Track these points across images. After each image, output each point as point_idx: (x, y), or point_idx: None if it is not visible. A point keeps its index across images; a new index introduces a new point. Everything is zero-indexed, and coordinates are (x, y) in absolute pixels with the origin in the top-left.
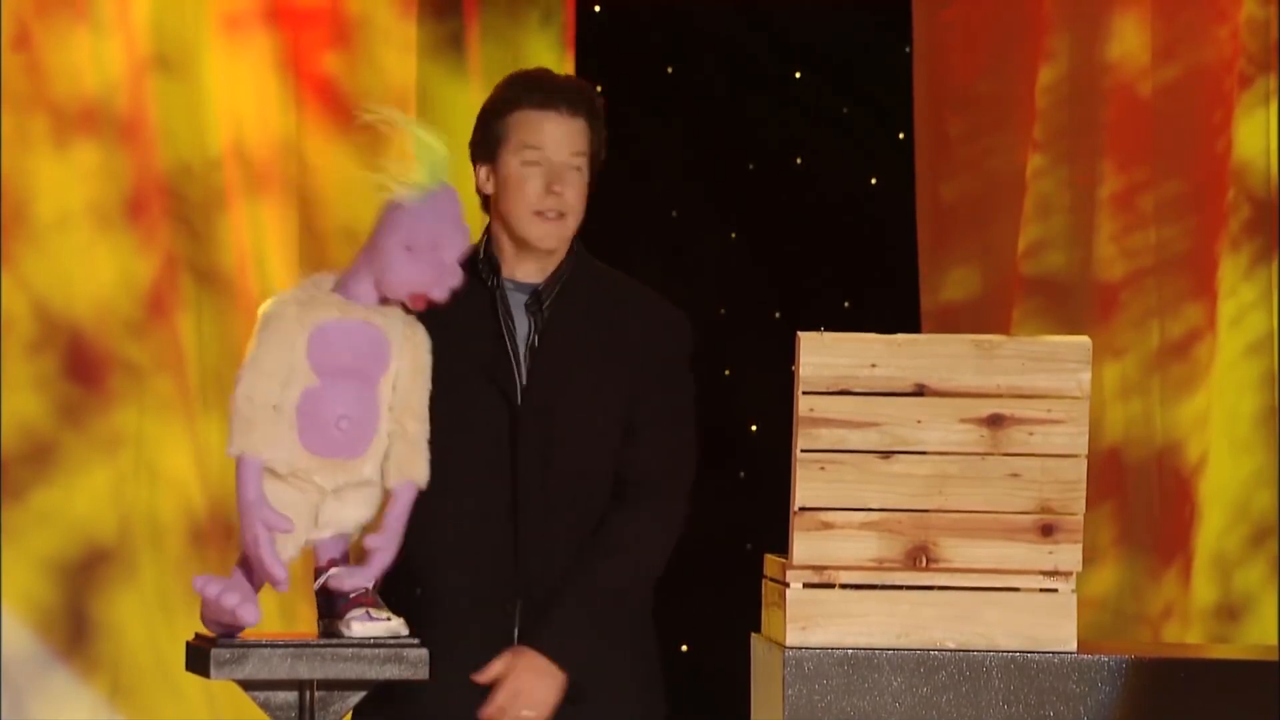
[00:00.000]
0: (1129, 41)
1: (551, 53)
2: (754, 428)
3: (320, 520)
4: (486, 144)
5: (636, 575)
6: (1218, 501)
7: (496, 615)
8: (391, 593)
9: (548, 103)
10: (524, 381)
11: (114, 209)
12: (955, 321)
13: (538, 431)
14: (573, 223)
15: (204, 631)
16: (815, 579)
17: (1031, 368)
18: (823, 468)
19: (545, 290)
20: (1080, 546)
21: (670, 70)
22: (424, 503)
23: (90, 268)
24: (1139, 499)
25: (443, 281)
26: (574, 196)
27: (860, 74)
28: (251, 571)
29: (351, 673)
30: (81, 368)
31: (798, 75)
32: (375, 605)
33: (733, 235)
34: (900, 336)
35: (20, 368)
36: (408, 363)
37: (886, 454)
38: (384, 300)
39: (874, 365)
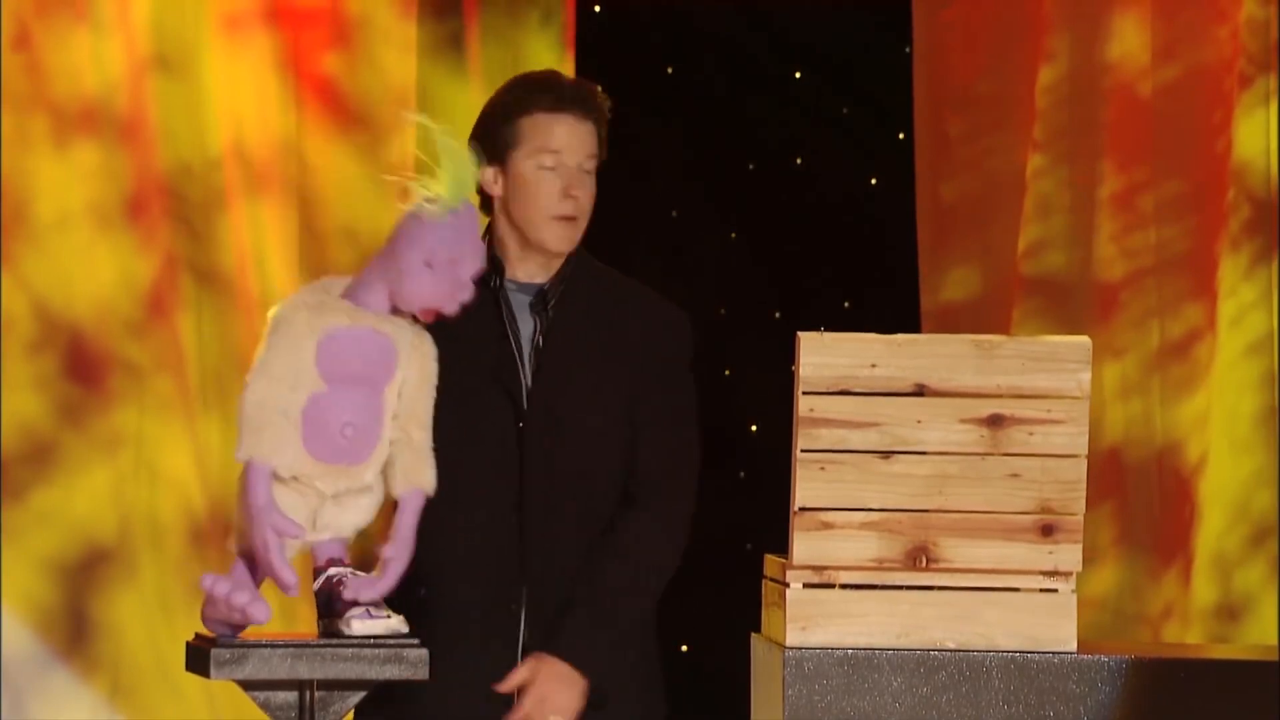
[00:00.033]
0: (1129, 41)
1: (551, 53)
2: (754, 428)
3: (318, 524)
4: (496, 146)
5: (646, 577)
6: (1218, 501)
7: (501, 616)
8: (395, 593)
9: (562, 106)
10: (529, 382)
11: (114, 209)
12: (955, 321)
13: (543, 432)
14: (584, 224)
15: (204, 631)
16: (815, 579)
17: (1031, 368)
18: (823, 468)
19: (551, 290)
20: (1080, 546)
21: (670, 70)
22: (430, 506)
23: (90, 268)
24: (1139, 499)
25: (457, 297)
26: (587, 199)
27: (860, 74)
28: (255, 569)
29: (351, 673)
30: (81, 368)
31: (798, 75)
32: (375, 603)
33: (733, 235)
34: (900, 336)
35: (20, 368)
36: (414, 371)
37: (886, 454)
38: (395, 310)
39: (874, 365)
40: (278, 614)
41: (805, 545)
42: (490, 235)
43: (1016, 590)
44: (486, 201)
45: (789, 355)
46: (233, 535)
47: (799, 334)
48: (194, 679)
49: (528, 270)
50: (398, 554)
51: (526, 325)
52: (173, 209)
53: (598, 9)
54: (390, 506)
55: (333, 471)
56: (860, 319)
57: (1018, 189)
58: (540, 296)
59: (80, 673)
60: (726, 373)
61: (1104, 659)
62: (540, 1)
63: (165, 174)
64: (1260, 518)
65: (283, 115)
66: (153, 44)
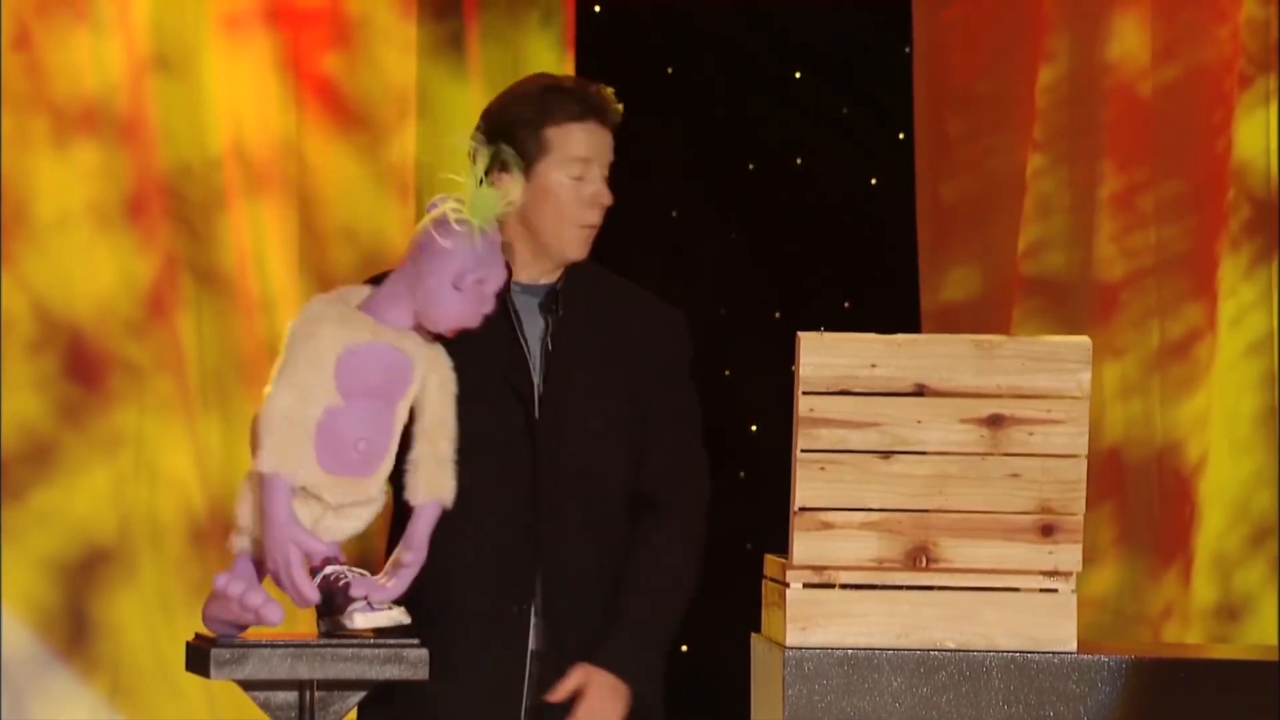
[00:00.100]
0: (1129, 41)
1: (551, 53)
2: (754, 428)
3: (318, 531)
4: (521, 155)
5: (678, 588)
6: (1218, 501)
7: (510, 620)
8: (403, 597)
9: (587, 114)
10: (540, 385)
11: (114, 209)
12: (955, 321)
13: (554, 434)
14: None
15: (204, 631)
16: (815, 579)
17: (1031, 368)
18: (823, 468)
19: (563, 291)
20: (1080, 546)
21: (670, 70)
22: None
23: (90, 268)
24: (1139, 499)
25: (482, 314)
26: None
27: (860, 74)
28: (259, 569)
29: (351, 673)
30: (81, 368)
31: (798, 75)
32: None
33: (733, 235)
34: (900, 336)
35: (20, 368)
36: (435, 383)
37: (886, 454)
38: (417, 327)
39: (874, 365)
40: None
41: (805, 545)
42: None
43: (1016, 590)
44: None
45: (789, 355)
46: (234, 535)
47: (799, 334)
48: (194, 679)
49: (531, 273)
50: (414, 560)
51: (535, 327)
52: (173, 209)
53: (598, 9)
54: (388, 509)
55: (341, 484)
56: (860, 319)
57: (1018, 189)
58: (553, 297)
59: (80, 673)
60: (726, 373)
61: (1104, 659)
62: (540, 1)
63: (165, 174)
64: (1260, 518)
65: (283, 115)
66: (153, 44)
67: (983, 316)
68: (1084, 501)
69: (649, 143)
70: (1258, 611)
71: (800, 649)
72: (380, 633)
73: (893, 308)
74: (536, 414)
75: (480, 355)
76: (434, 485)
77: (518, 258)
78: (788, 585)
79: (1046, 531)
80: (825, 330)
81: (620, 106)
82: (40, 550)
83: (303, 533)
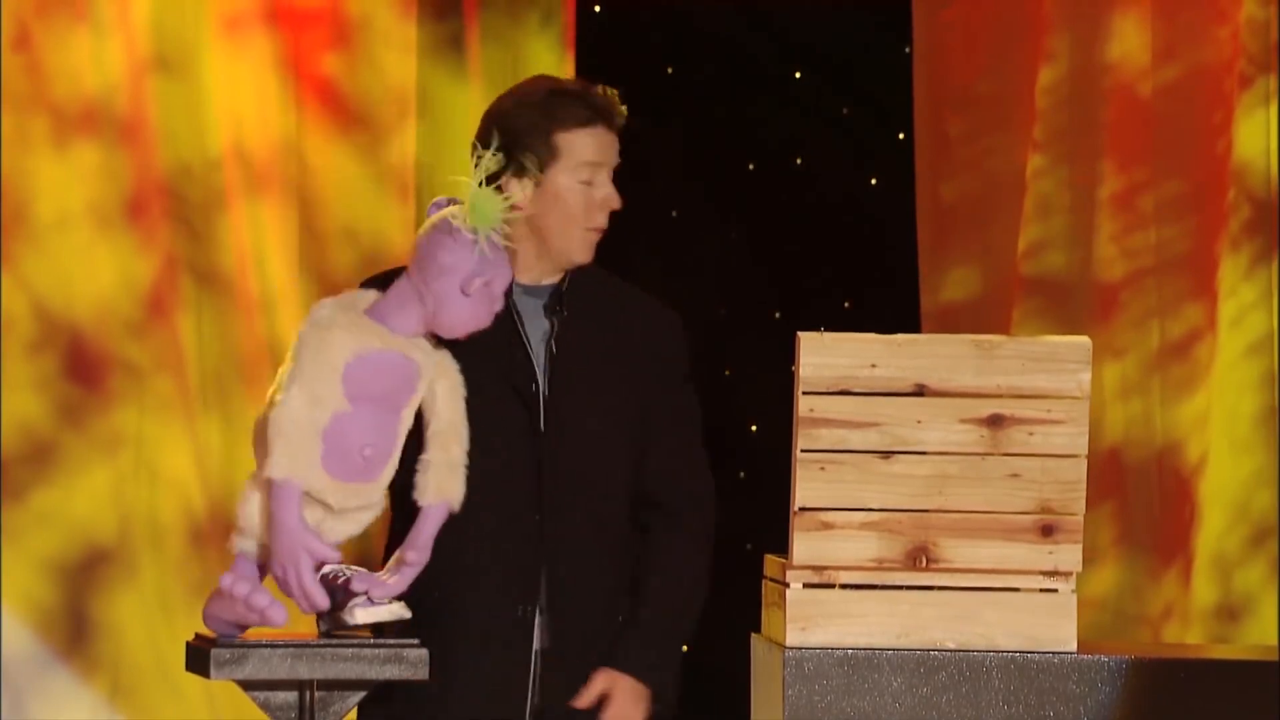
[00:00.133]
0: (1129, 42)
1: (551, 53)
2: (754, 428)
3: (319, 534)
4: (531, 160)
5: (694, 593)
6: (1218, 502)
7: (514, 620)
8: (407, 597)
9: (597, 119)
10: (546, 387)
11: (114, 209)
12: (955, 322)
13: (560, 435)
14: None
15: (204, 631)
16: (815, 579)
17: (1031, 368)
18: (823, 468)
19: (568, 292)
20: (1080, 547)
21: (670, 70)
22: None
23: (90, 268)
24: (1139, 499)
25: (492, 314)
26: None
27: (860, 74)
28: (261, 570)
29: (351, 673)
30: (81, 368)
31: (798, 75)
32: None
33: (733, 235)
34: (900, 337)
35: (20, 368)
36: (445, 388)
37: (886, 454)
38: (429, 333)
39: (874, 365)
40: None
41: (805, 545)
42: None
43: (1016, 590)
44: None
45: (789, 355)
46: (234, 536)
47: (799, 334)
48: (194, 679)
49: (534, 274)
50: (417, 559)
51: (537, 329)
52: (173, 209)
53: (598, 9)
54: (385, 511)
55: (345, 489)
56: (860, 319)
57: (1018, 189)
58: (557, 299)
59: (80, 673)
60: (727, 373)
61: (1104, 659)
62: (540, 2)
63: (165, 174)
64: (1260, 518)
65: (283, 116)
66: (153, 44)
67: (983, 317)
68: (1084, 502)
69: (649, 143)
70: (1258, 612)
71: (800, 649)
72: (380, 632)
73: (893, 308)
74: (541, 415)
75: (484, 356)
76: (443, 488)
77: (521, 259)
78: (788, 585)
79: (1046, 532)
80: (825, 330)
81: (624, 108)
82: (40, 550)
83: (313, 539)
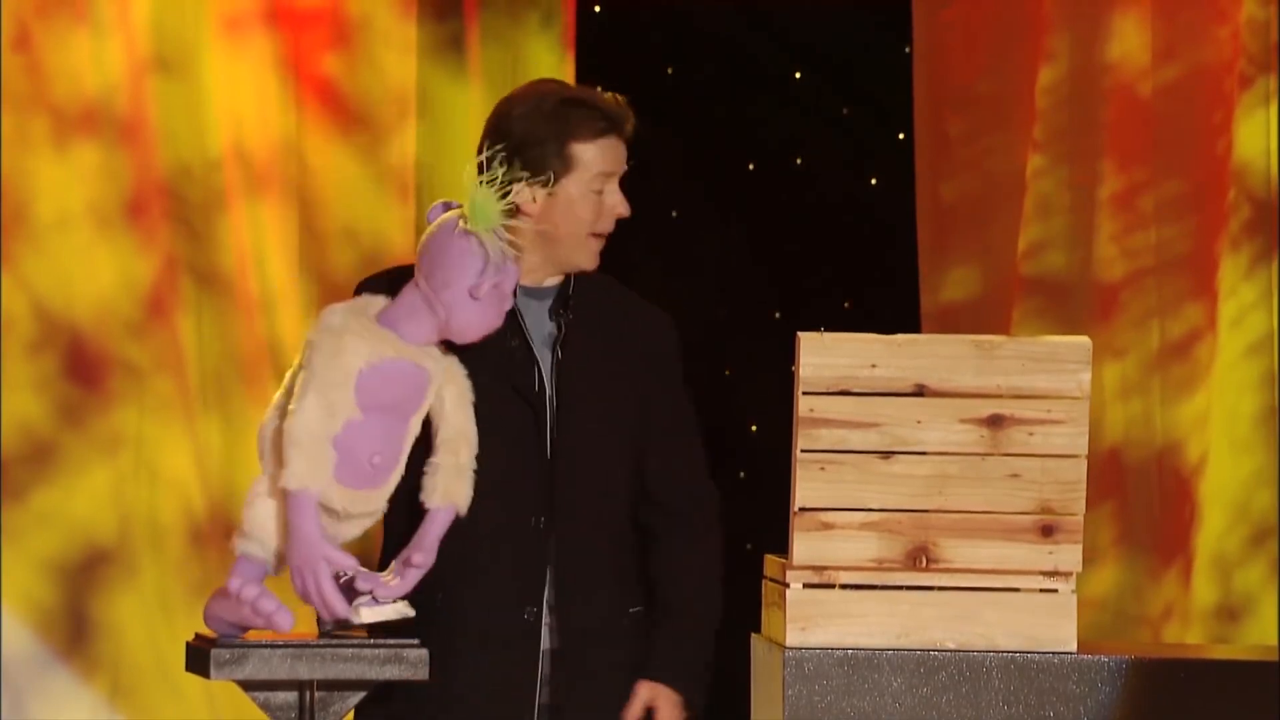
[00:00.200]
0: (1129, 42)
1: (552, 54)
2: (754, 428)
3: None
4: (543, 170)
5: (717, 594)
6: (1218, 502)
7: (517, 619)
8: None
9: (610, 130)
10: (552, 388)
11: (114, 210)
12: (955, 322)
13: (567, 435)
14: None
15: (204, 631)
16: (815, 579)
17: (1031, 368)
18: (823, 468)
19: (574, 294)
20: (1080, 547)
21: (670, 71)
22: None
23: (90, 268)
24: (1139, 499)
25: (503, 314)
26: None
27: (860, 74)
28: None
29: (351, 673)
30: (81, 368)
31: (798, 75)
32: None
33: (733, 235)
34: (900, 337)
35: (20, 368)
36: (453, 394)
37: (886, 454)
38: (442, 339)
39: (874, 365)
40: None
41: (805, 545)
42: None
43: (1016, 590)
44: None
45: (789, 355)
46: (237, 537)
47: (799, 334)
48: (194, 679)
49: (536, 276)
50: (423, 561)
51: (541, 330)
52: (173, 210)
53: (598, 10)
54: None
55: (353, 496)
56: (860, 319)
57: (1018, 189)
58: (562, 300)
59: (80, 673)
60: (726, 373)
61: (1104, 659)
62: (540, 2)
63: (165, 175)
64: (1260, 518)
65: (283, 116)
66: (153, 45)
67: (983, 317)
68: (1084, 502)
69: (649, 143)
70: (1258, 612)
71: (800, 649)
72: (381, 631)
73: (893, 308)
74: (549, 417)
75: (488, 358)
76: (451, 491)
77: (524, 261)
78: (788, 585)
79: (1046, 532)
80: (825, 330)
81: (632, 117)
82: (40, 551)
83: (331, 548)
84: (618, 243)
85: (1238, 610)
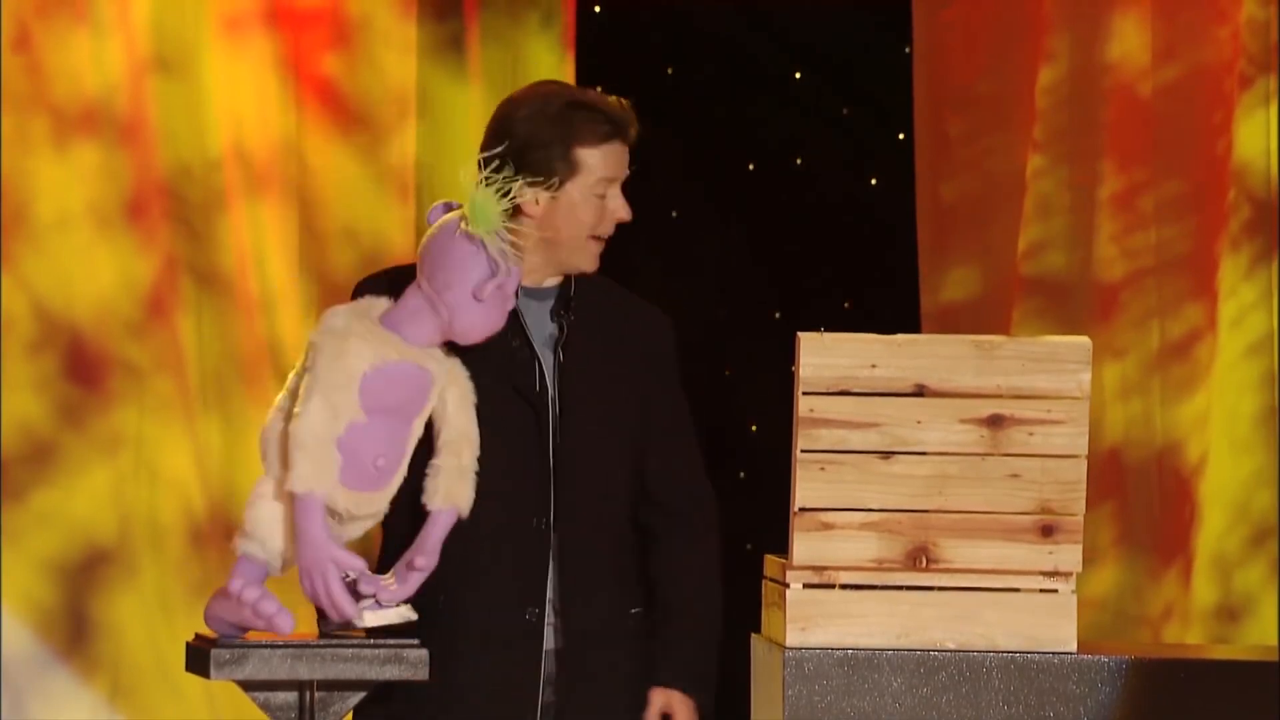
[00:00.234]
0: (1129, 42)
1: (552, 54)
2: (754, 428)
3: None
4: (548, 174)
5: (718, 593)
6: (1218, 502)
7: (519, 620)
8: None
9: (615, 135)
10: (555, 388)
11: (114, 210)
12: (955, 322)
13: (570, 436)
14: None
15: (205, 631)
16: (815, 579)
17: (1031, 368)
18: (823, 468)
19: (576, 296)
20: (1080, 547)
21: (670, 71)
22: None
23: (90, 268)
24: (1139, 499)
25: (505, 315)
26: None
27: (860, 74)
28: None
29: (351, 673)
30: (81, 368)
31: (798, 76)
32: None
33: (733, 236)
34: (900, 337)
35: (20, 368)
36: (455, 396)
37: (886, 454)
38: (445, 341)
39: (874, 366)
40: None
41: (805, 546)
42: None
43: (1016, 591)
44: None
45: (789, 355)
46: (238, 538)
47: (799, 334)
48: (194, 679)
49: (536, 277)
50: (425, 564)
51: (542, 331)
52: (173, 210)
53: (598, 10)
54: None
55: (356, 498)
56: (860, 319)
57: (1018, 189)
58: (563, 302)
59: (80, 673)
60: (726, 373)
61: (1104, 659)
62: (540, 3)
63: (165, 175)
64: (1260, 518)
65: (283, 116)
66: (153, 45)
67: (983, 317)
68: (1084, 502)
69: (649, 143)
70: (1258, 612)
71: (800, 649)
72: (382, 632)
73: (893, 308)
74: (551, 418)
75: (490, 359)
76: (452, 493)
77: (525, 262)
78: (788, 585)
79: (1046, 532)
80: (825, 330)
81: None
82: (40, 551)
83: (339, 550)
84: (618, 243)
85: (1238, 610)
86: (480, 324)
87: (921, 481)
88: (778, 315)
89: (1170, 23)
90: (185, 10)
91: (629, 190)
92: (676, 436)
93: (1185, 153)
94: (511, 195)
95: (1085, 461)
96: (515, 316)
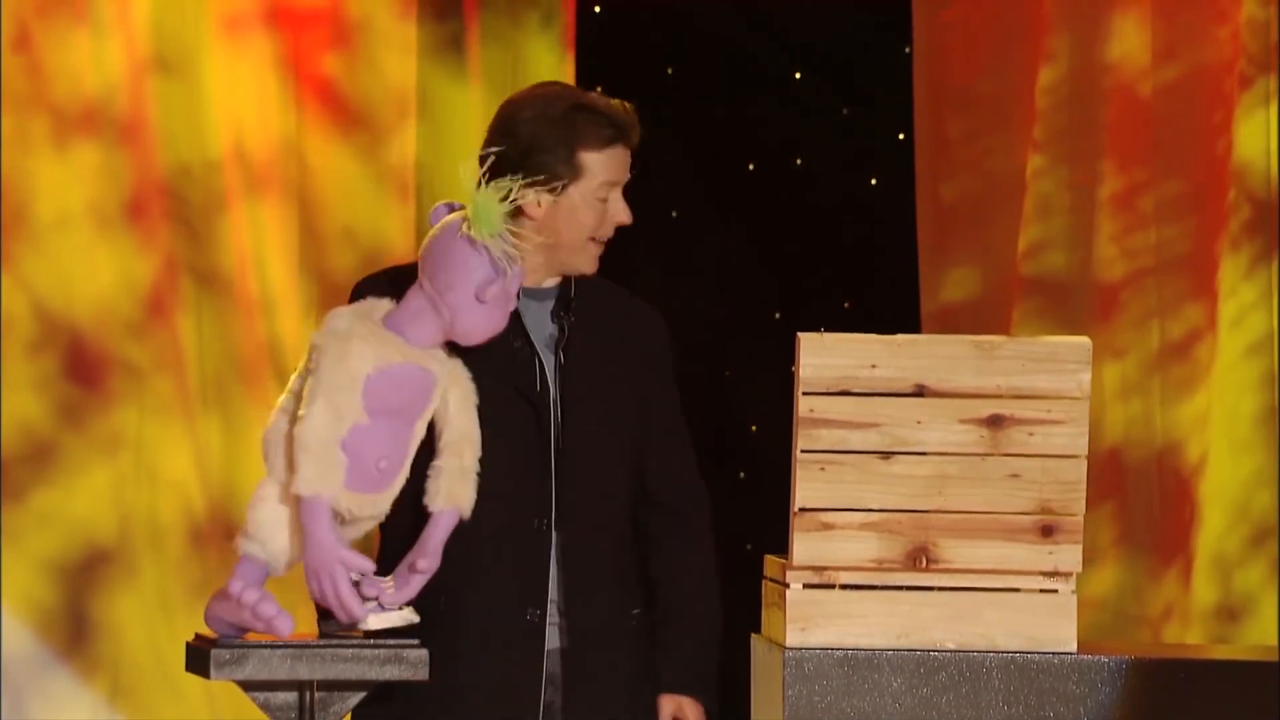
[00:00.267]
0: (1129, 42)
1: (552, 54)
2: (754, 428)
3: None
4: (551, 175)
5: (716, 593)
6: (1218, 502)
7: (519, 620)
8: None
9: (619, 139)
10: (556, 389)
11: (114, 210)
12: (955, 322)
13: (571, 436)
14: None
15: (205, 631)
16: (815, 580)
17: (1031, 368)
18: (823, 468)
19: (576, 296)
20: (1080, 547)
21: (670, 71)
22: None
23: (90, 269)
24: (1139, 499)
25: (507, 317)
26: None
27: (860, 74)
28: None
29: (351, 673)
30: (81, 369)
31: (798, 76)
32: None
33: (733, 236)
34: (900, 337)
35: (20, 368)
36: (457, 397)
37: (886, 454)
38: (447, 343)
39: (874, 366)
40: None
41: (805, 546)
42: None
43: (1016, 591)
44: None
45: (789, 356)
46: (240, 538)
47: (799, 334)
48: (194, 679)
49: (535, 278)
50: (428, 566)
51: (542, 332)
52: (173, 210)
53: (598, 10)
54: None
55: (358, 499)
56: (860, 319)
57: (1018, 189)
58: (563, 303)
59: (80, 673)
60: (726, 373)
61: (1104, 659)
62: (540, 3)
63: (165, 175)
64: (1260, 518)
65: (283, 117)
66: (153, 45)
67: (983, 317)
68: (1084, 502)
69: (649, 143)
70: (1258, 612)
71: (800, 649)
72: (382, 633)
73: (893, 308)
74: (552, 419)
75: (492, 360)
76: (454, 494)
77: (525, 263)
78: (788, 586)
79: (1046, 532)
80: (825, 331)
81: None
82: (40, 551)
83: (347, 551)
84: (618, 243)
85: (1238, 610)
86: (482, 325)
87: (921, 482)
88: (778, 315)
89: (1170, 23)
90: (185, 10)
91: (630, 189)
92: (675, 437)
93: (1185, 153)
94: (513, 198)
95: (1085, 461)
96: (516, 317)
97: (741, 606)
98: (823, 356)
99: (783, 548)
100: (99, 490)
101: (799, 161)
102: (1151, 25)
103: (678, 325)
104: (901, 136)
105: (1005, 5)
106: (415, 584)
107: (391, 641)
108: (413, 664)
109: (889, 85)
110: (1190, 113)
